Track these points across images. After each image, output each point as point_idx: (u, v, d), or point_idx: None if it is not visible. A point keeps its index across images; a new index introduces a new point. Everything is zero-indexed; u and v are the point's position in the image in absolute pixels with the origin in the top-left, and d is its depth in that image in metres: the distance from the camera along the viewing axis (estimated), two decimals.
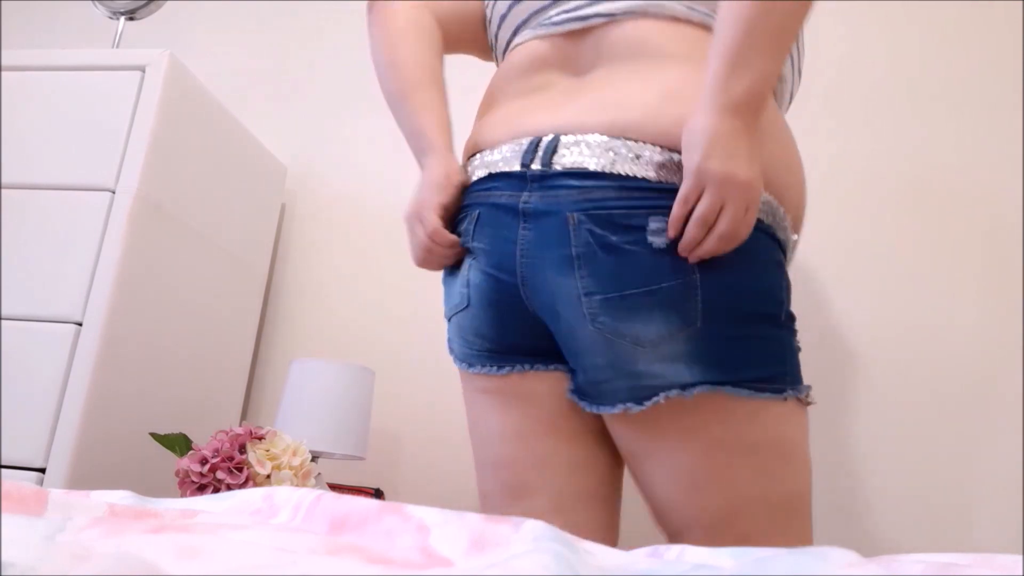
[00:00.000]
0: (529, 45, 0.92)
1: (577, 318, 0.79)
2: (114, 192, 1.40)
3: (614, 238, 0.76)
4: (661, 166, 0.77)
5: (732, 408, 0.77)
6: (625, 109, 0.80)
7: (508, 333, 0.88)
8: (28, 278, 1.36)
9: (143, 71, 1.47)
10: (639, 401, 0.78)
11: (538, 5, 0.93)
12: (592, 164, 0.78)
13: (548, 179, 0.81)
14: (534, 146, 0.83)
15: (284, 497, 0.53)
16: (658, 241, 0.76)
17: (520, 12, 0.95)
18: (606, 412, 0.81)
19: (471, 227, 0.88)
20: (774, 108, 0.85)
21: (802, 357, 0.85)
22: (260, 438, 1.23)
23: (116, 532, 0.42)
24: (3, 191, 1.42)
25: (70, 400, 1.28)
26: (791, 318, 0.83)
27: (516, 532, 0.43)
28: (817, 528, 1.52)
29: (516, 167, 0.84)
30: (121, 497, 0.56)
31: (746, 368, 0.77)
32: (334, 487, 1.55)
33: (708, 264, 0.76)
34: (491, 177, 0.87)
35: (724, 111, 0.73)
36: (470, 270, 0.89)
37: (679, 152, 0.77)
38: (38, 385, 1.29)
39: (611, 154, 0.78)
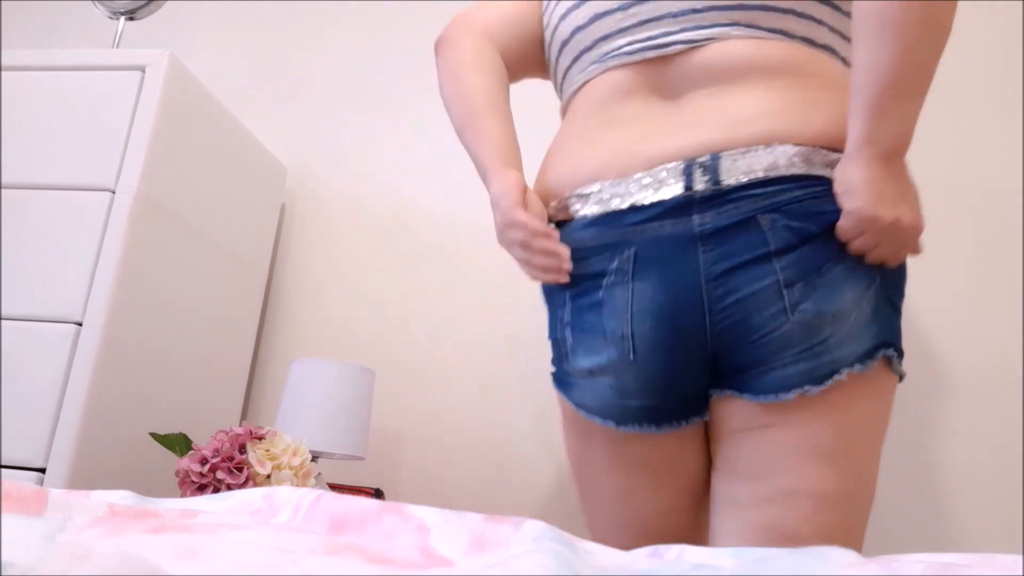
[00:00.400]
0: (606, 77, 0.91)
1: (774, 317, 0.78)
2: (114, 192, 1.40)
3: (814, 228, 0.78)
4: (830, 165, 0.80)
5: (882, 382, 0.81)
6: (764, 118, 0.81)
7: (677, 378, 0.84)
8: (28, 278, 1.36)
9: (143, 71, 1.47)
10: (818, 381, 0.78)
11: (603, 32, 0.91)
12: (767, 172, 0.79)
13: (723, 195, 0.80)
14: (689, 169, 0.81)
15: (284, 497, 0.53)
16: (840, 221, 0.79)
17: (583, 39, 0.94)
18: (779, 399, 0.79)
19: (628, 268, 0.83)
20: None
21: None
22: (260, 438, 1.23)
23: (116, 532, 0.42)
24: (3, 191, 1.42)
25: (70, 400, 1.28)
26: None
27: (516, 532, 0.43)
28: None
29: (673, 193, 0.81)
30: (121, 497, 0.55)
31: (896, 337, 0.82)
32: (334, 487, 1.55)
33: None
34: (634, 210, 0.83)
35: (875, 160, 0.76)
36: (632, 318, 0.83)
37: (840, 151, 0.79)
38: (38, 385, 1.29)
39: (782, 159, 0.79)
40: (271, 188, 1.87)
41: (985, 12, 1.74)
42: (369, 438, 1.64)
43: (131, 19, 1.76)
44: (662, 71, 0.87)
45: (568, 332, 0.89)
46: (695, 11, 0.86)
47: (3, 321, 1.34)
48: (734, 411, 0.84)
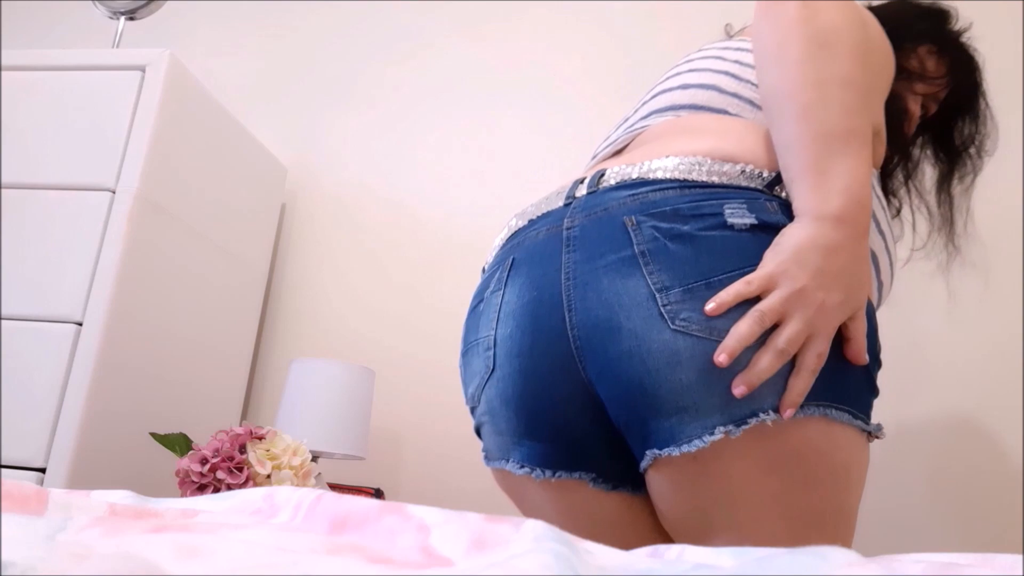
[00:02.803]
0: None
1: (649, 325, 0.66)
2: (114, 192, 1.40)
3: (685, 227, 0.67)
4: (725, 174, 0.70)
5: (831, 434, 0.67)
6: (675, 148, 0.75)
7: (544, 392, 0.73)
8: (28, 278, 1.36)
9: (143, 71, 1.47)
10: (739, 422, 0.64)
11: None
12: (640, 175, 0.72)
13: (594, 196, 0.74)
14: (578, 183, 0.77)
15: (284, 497, 0.53)
16: (740, 222, 0.67)
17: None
18: (689, 449, 0.65)
19: (504, 275, 0.77)
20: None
21: None
22: (260, 438, 1.23)
23: (116, 532, 0.42)
24: (3, 191, 1.42)
25: (70, 400, 1.28)
26: (877, 359, 0.72)
27: (516, 532, 0.43)
28: None
29: (557, 204, 0.77)
30: (121, 497, 0.55)
31: (845, 386, 0.67)
32: (334, 487, 1.55)
33: None
34: (529, 225, 0.79)
35: (816, 222, 0.65)
36: (497, 324, 0.76)
37: (738, 163, 0.71)
38: (38, 385, 1.29)
39: (662, 164, 0.72)
40: (271, 188, 1.87)
41: (985, 12, 1.74)
42: (369, 438, 1.64)
43: (131, 19, 1.76)
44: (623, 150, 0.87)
45: (461, 363, 0.83)
46: (641, 118, 0.87)
47: (3, 321, 1.34)
48: (673, 490, 0.70)
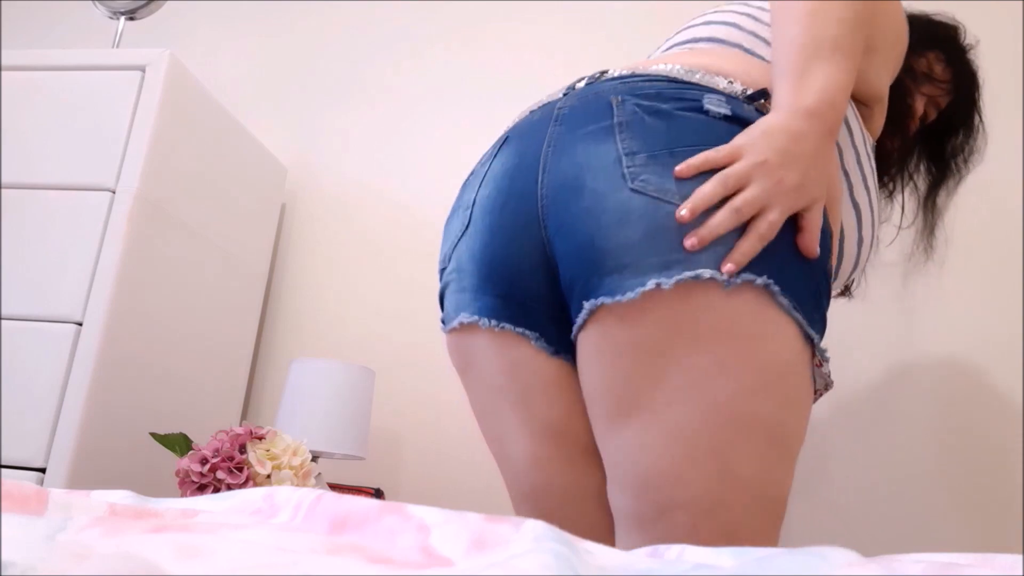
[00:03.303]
0: None
1: (610, 183, 0.69)
2: (114, 192, 1.40)
3: (665, 106, 0.72)
4: (713, 82, 0.75)
5: (765, 317, 0.68)
6: (677, 61, 0.80)
7: (506, 248, 0.77)
8: (28, 278, 1.36)
9: (143, 71, 1.47)
10: (671, 274, 0.66)
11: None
12: (638, 71, 0.77)
13: (591, 86, 0.78)
14: (579, 80, 0.82)
15: (284, 497, 0.53)
16: (716, 109, 0.72)
17: None
18: (623, 298, 0.67)
19: (496, 149, 0.82)
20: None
21: None
22: (260, 438, 1.23)
23: (116, 532, 0.42)
24: (3, 191, 1.42)
25: (70, 400, 1.28)
26: (826, 273, 0.74)
27: (516, 532, 0.43)
28: (817, 528, 1.52)
29: (557, 96, 0.81)
30: (121, 497, 0.55)
31: (793, 276, 0.69)
32: (334, 487, 1.55)
33: None
34: (528, 114, 0.83)
35: (789, 113, 0.69)
36: (479, 188, 0.81)
37: (727, 77, 0.76)
38: (38, 385, 1.29)
39: (663, 67, 0.77)
40: (271, 188, 1.87)
41: (985, 12, 1.74)
42: (369, 438, 1.64)
43: (131, 19, 1.76)
44: None
45: (444, 229, 0.88)
46: (662, 51, 0.95)
47: (3, 321, 1.34)
48: (605, 356, 0.72)
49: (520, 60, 1.98)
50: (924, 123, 1.15)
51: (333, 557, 0.39)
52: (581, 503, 0.81)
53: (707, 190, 0.67)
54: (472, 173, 0.86)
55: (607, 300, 0.69)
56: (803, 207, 0.69)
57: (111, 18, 1.76)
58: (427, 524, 0.46)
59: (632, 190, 0.69)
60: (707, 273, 0.66)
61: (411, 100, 2.01)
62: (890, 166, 1.14)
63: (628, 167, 0.70)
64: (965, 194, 1.65)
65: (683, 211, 0.66)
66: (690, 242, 0.66)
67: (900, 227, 1.25)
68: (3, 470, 1.25)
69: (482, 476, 1.68)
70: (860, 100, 0.88)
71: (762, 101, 0.75)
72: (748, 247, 0.67)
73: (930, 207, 1.23)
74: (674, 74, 0.75)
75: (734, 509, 0.69)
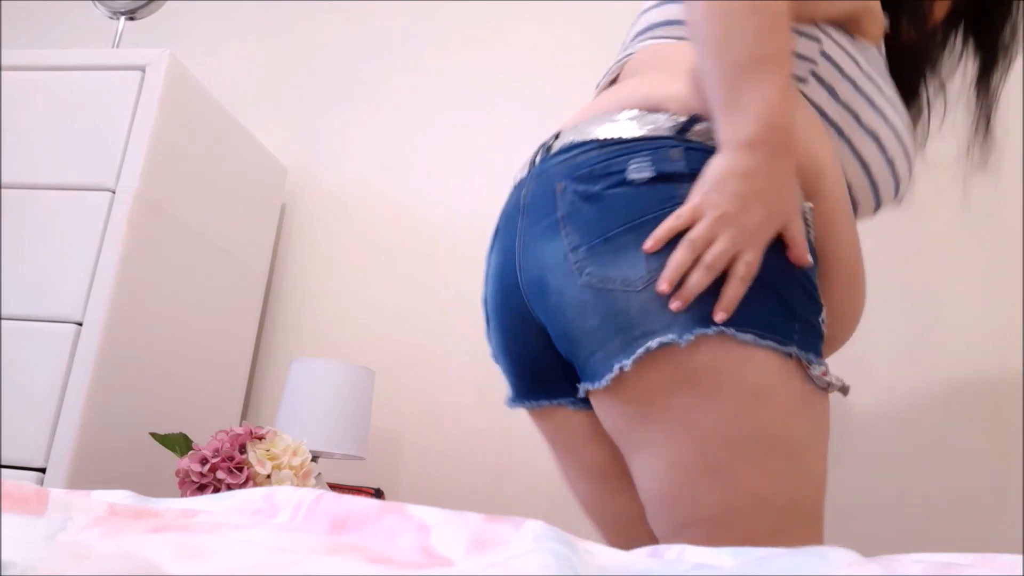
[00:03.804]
0: None
1: (566, 280, 0.75)
2: (114, 192, 1.40)
3: (595, 188, 0.75)
4: (639, 121, 0.77)
5: (731, 353, 0.70)
6: (607, 102, 0.83)
7: (517, 341, 0.86)
8: (28, 278, 1.36)
9: (143, 71, 1.47)
10: (631, 354, 0.71)
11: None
12: (576, 138, 0.80)
13: (544, 162, 0.83)
14: (542, 146, 0.87)
15: (284, 497, 0.53)
16: (638, 176, 0.74)
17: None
18: (601, 384, 0.74)
19: (492, 239, 0.90)
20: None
21: None
22: (260, 438, 1.23)
23: (116, 532, 0.42)
24: (3, 191, 1.42)
25: (70, 400, 1.28)
26: (801, 283, 0.75)
27: (516, 532, 0.43)
28: None
29: (524, 174, 0.87)
30: (121, 497, 0.56)
31: (750, 309, 0.71)
32: (334, 487, 1.55)
33: None
34: (513, 190, 0.89)
35: (734, 150, 0.70)
36: (486, 285, 0.90)
37: (661, 112, 0.77)
38: (38, 385, 1.29)
39: (592, 126, 0.80)
40: (271, 188, 1.87)
41: None
42: (369, 438, 1.64)
43: (131, 19, 1.76)
44: None
45: None
46: (629, 41, 0.96)
47: (3, 321, 1.34)
48: (609, 420, 0.80)
49: (520, 60, 1.98)
50: (956, 4, 1.02)
51: (333, 557, 0.39)
52: (632, 527, 0.89)
53: (678, 258, 0.70)
54: (489, 245, 0.92)
55: (589, 386, 0.77)
56: (777, 231, 0.72)
57: (111, 18, 1.76)
58: (427, 524, 0.46)
59: (582, 285, 0.74)
60: (655, 343, 0.70)
61: (411, 100, 2.01)
62: (921, 59, 1.05)
63: (575, 262, 0.75)
64: (966, 193, 1.65)
65: (662, 285, 0.70)
66: (675, 305, 0.70)
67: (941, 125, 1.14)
68: (3, 470, 1.25)
69: (482, 476, 1.68)
70: (837, 21, 0.84)
71: (696, 128, 0.76)
72: (733, 293, 0.70)
73: (983, 93, 1.10)
74: (606, 135, 0.78)
75: (749, 518, 0.72)
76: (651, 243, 0.71)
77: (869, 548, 1.48)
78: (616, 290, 0.72)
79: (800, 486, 0.73)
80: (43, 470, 1.26)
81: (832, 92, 0.82)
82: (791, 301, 0.73)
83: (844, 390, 0.76)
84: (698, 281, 0.70)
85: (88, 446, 1.29)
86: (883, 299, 1.62)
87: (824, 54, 0.82)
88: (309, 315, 1.89)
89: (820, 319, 0.76)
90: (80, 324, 1.33)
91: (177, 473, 1.20)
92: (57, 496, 0.50)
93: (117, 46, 1.71)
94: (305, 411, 1.46)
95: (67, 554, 0.36)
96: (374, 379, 1.58)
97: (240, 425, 1.45)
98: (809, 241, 0.76)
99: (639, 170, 0.74)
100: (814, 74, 0.82)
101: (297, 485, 1.19)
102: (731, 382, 0.71)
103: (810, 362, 0.73)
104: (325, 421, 1.45)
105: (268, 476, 1.20)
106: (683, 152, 0.75)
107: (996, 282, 1.59)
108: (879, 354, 1.60)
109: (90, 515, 0.47)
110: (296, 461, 1.22)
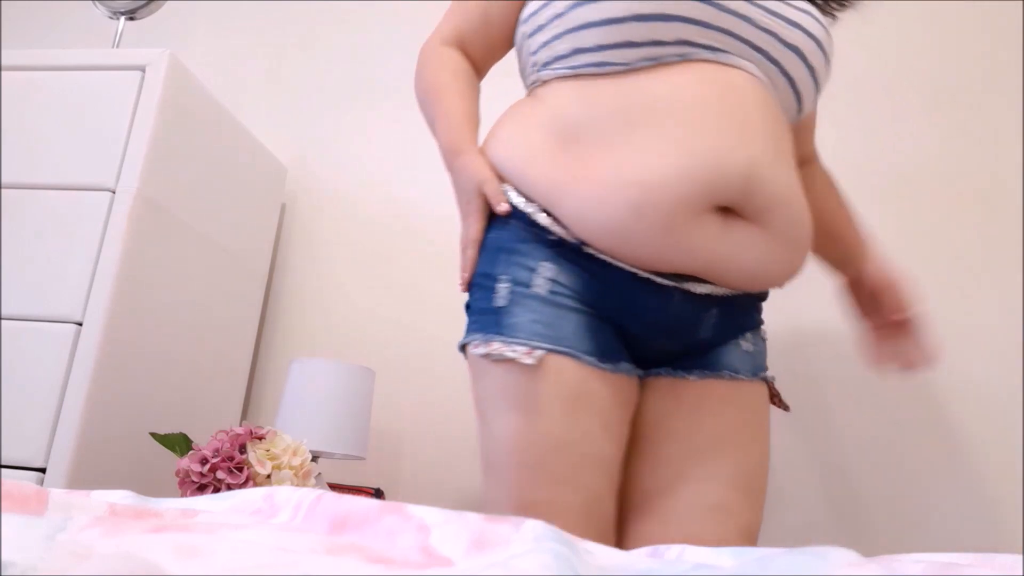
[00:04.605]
0: None
1: None
2: (114, 192, 1.40)
3: None
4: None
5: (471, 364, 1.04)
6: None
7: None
8: (28, 278, 1.36)
9: (143, 71, 1.47)
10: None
11: None
12: None
13: None
14: None
15: (284, 497, 0.53)
16: None
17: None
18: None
19: None
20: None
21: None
22: (260, 438, 1.23)
23: (116, 532, 0.42)
24: (3, 191, 1.42)
25: (70, 400, 1.28)
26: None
27: (516, 532, 0.43)
28: (817, 528, 1.52)
29: None
30: (121, 497, 0.56)
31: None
32: (334, 487, 1.55)
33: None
34: None
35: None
36: None
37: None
38: (38, 385, 1.29)
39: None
40: (271, 188, 1.87)
41: (985, 12, 1.74)
42: (369, 438, 1.64)
43: (131, 19, 1.76)
44: None
45: None
46: None
47: (3, 321, 1.34)
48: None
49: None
50: None
51: (333, 557, 0.39)
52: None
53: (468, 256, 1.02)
54: None
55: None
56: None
57: (111, 18, 1.76)
58: (427, 524, 0.46)
59: None
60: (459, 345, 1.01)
61: (411, 100, 2.01)
62: None
63: None
64: (965, 194, 1.65)
65: (461, 286, 1.03)
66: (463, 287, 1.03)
67: None
68: (3, 470, 1.25)
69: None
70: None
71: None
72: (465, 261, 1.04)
73: None
74: None
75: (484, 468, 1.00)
76: (463, 282, 1.10)
77: (869, 548, 1.48)
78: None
79: (487, 443, 0.94)
80: (43, 470, 1.26)
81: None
82: (469, 302, 1.04)
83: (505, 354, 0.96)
84: (468, 258, 1.07)
85: (88, 446, 1.29)
86: None
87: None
88: (309, 315, 1.89)
89: (477, 299, 1.01)
90: (80, 324, 1.33)
91: (177, 473, 1.20)
92: (57, 496, 0.50)
93: (117, 46, 1.71)
94: (305, 411, 1.46)
95: (67, 554, 0.36)
96: (374, 379, 1.58)
97: (240, 425, 1.45)
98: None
99: None
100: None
101: (297, 485, 1.19)
102: (476, 394, 1.01)
103: (471, 342, 0.98)
104: (325, 421, 1.45)
105: (268, 476, 1.20)
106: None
107: (996, 282, 1.59)
108: None
109: (90, 515, 0.47)
110: (296, 461, 1.22)
